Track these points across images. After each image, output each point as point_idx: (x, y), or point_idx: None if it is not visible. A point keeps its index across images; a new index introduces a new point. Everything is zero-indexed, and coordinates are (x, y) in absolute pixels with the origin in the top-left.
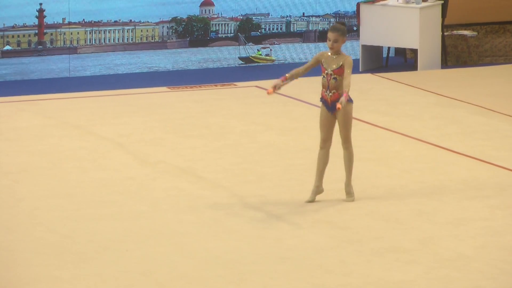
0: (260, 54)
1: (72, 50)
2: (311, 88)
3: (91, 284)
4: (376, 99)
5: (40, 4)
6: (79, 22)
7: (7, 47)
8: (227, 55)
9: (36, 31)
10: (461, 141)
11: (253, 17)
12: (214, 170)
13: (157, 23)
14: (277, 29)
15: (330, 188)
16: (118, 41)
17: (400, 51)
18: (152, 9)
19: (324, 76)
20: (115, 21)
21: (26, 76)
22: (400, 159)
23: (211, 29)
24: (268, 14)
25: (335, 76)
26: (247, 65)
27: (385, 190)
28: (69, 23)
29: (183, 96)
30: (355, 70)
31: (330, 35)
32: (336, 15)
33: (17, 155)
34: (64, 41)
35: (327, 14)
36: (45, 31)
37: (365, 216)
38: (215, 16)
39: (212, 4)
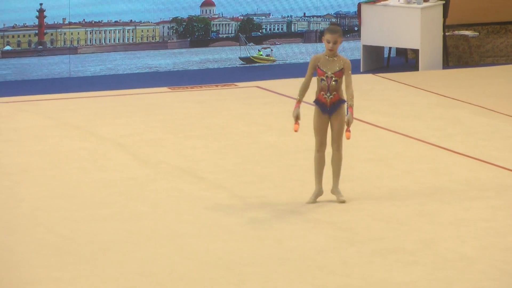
0: (261, 54)
1: (72, 50)
2: (312, 89)
3: (91, 285)
4: (377, 100)
5: (41, 4)
6: (79, 22)
7: (7, 47)
8: (228, 55)
9: (37, 31)
10: (463, 141)
11: (254, 17)
12: (214, 171)
13: (157, 23)
14: (278, 29)
15: (330, 189)
16: (118, 41)
17: (401, 52)
18: (152, 9)
19: (323, 79)
20: (116, 21)
21: (26, 77)
22: (402, 160)
23: (212, 29)
24: (269, 14)
25: (336, 78)
26: (248, 65)
27: (387, 191)
28: (70, 23)
29: (184, 97)
30: (356, 70)
31: (330, 37)
32: (337, 15)
33: (17, 156)
34: (64, 41)
35: (328, 14)
36: (45, 31)
37: (366, 217)
38: (216, 16)
39: (212, 4)
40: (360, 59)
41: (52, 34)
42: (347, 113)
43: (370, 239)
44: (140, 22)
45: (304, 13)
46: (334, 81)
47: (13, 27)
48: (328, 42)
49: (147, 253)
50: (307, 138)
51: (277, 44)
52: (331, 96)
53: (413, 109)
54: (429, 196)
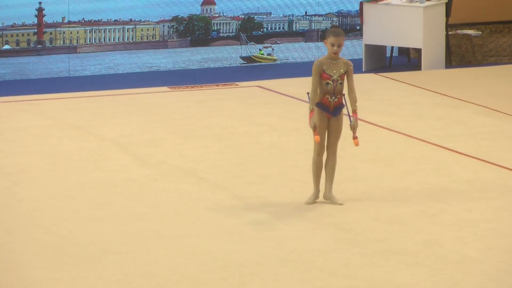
0: (262, 54)
1: (72, 49)
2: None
3: (91, 286)
4: (379, 100)
5: (40, 3)
6: (79, 21)
7: (6, 47)
8: (229, 54)
9: (36, 30)
10: (466, 142)
11: (255, 16)
12: (215, 171)
13: (157, 22)
14: (279, 28)
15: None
16: (118, 40)
17: (403, 51)
18: (152, 8)
19: (329, 83)
20: (115, 20)
21: (25, 76)
22: (404, 160)
23: (213, 28)
24: (270, 13)
25: (341, 81)
26: (249, 64)
27: (389, 191)
28: (69, 22)
29: (184, 96)
30: (358, 70)
31: (334, 40)
32: (339, 14)
33: (17, 156)
34: (63, 41)
35: (330, 13)
36: (44, 30)
37: (368, 218)
38: (217, 15)
39: (213, 3)
40: (362, 59)
41: (51, 33)
42: (350, 119)
43: (372, 240)
44: (140, 21)
45: (306, 12)
46: (340, 83)
47: (12, 26)
48: (333, 46)
49: (148, 254)
50: (308, 138)
51: (278, 43)
52: (335, 100)
53: (415, 109)
54: (432, 196)
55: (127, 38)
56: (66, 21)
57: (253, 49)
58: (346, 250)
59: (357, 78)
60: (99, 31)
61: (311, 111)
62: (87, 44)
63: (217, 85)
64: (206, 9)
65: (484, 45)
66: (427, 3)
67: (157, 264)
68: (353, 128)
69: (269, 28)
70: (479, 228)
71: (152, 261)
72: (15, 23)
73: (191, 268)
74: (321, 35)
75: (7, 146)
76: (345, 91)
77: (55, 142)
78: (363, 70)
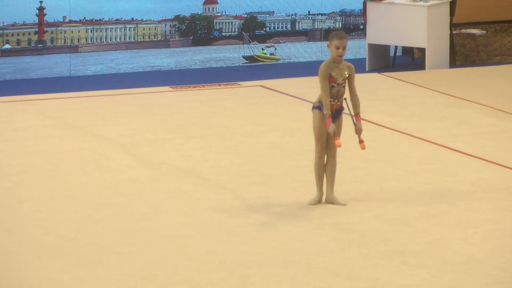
0: (265, 53)
1: (73, 49)
2: (315, 88)
3: (92, 287)
4: (383, 99)
5: (41, 2)
6: (80, 20)
7: (7, 46)
8: (231, 54)
9: (36, 30)
10: (470, 142)
11: (258, 15)
12: (217, 172)
13: (159, 22)
14: (282, 27)
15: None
16: (119, 39)
17: (407, 50)
18: (154, 7)
19: (333, 86)
20: (117, 19)
21: (26, 76)
22: (407, 161)
23: (215, 27)
24: (273, 12)
25: (344, 84)
26: (252, 64)
27: (392, 192)
28: (70, 21)
29: (186, 96)
30: (362, 69)
31: (339, 42)
32: (342, 13)
33: (17, 156)
34: (64, 40)
35: (333, 12)
36: (45, 29)
37: (371, 218)
38: (219, 14)
39: (215, 2)
40: (365, 58)
41: (52, 33)
42: (355, 122)
43: (375, 241)
44: (142, 20)
45: (309, 11)
46: (343, 87)
47: (13, 25)
48: (337, 48)
49: (149, 255)
50: (311, 138)
51: (281, 43)
52: (338, 103)
53: (419, 109)
54: (435, 197)
55: (129, 37)
56: (67, 20)
57: (255, 49)
58: (348, 250)
59: (361, 78)
60: (100, 31)
61: (329, 116)
62: (88, 43)
63: (219, 85)
64: (208, 8)
65: (489, 45)
66: (431, 2)
67: (158, 264)
68: (359, 132)
69: (272, 27)
70: (483, 229)
71: (153, 262)
72: (16, 22)
73: (192, 269)
74: (325, 34)
75: (7, 146)
76: (346, 94)
77: (56, 142)
78: (367, 69)
